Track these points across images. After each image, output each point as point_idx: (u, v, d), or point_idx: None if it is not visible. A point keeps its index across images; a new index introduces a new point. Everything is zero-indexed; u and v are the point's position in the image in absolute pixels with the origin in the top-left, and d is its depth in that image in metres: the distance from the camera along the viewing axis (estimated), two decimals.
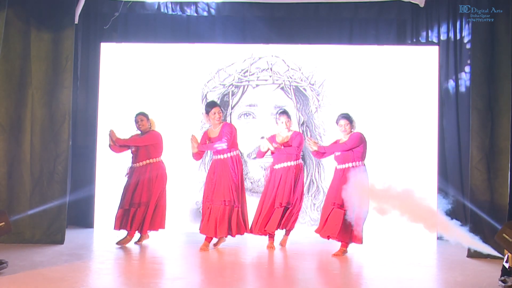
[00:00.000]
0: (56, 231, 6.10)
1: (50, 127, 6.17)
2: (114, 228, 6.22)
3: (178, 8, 7.71)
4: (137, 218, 6.14)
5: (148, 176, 6.18)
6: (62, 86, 6.20)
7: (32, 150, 6.12)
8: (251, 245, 6.36)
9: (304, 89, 7.44)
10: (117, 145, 6.26)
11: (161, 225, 6.27)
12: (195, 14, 7.72)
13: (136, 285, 4.57)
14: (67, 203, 6.39)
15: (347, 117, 5.91)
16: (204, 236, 6.04)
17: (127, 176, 6.30)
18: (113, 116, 7.37)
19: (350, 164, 5.83)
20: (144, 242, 6.33)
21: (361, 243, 5.81)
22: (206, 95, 7.45)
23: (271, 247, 6.10)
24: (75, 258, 5.42)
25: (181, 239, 6.59)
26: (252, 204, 6.26)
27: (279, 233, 6.31)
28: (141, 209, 6.15)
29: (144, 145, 6.21)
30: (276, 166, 6.15)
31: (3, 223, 4.88)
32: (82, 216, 7.50)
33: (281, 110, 6.27)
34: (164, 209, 6.29)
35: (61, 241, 6.08)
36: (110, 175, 7.32)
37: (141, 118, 6.29)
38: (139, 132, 6.33)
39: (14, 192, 6.08)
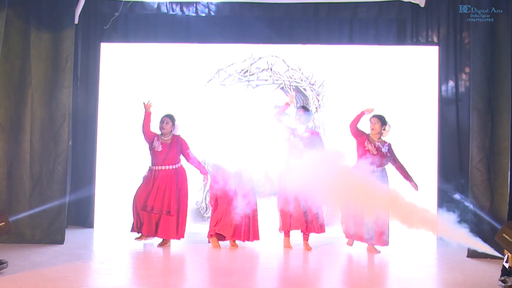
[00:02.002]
0: (56, 231, 6.10)
1: (50, 127, 6.18)
2: (135, 231, 6.21)
3: (178, 8, 7.70)
4: (165, 224, 6.14)
5: (176, 180, 6.21)
6: (62, 86, 6.20)
7: (31, 150, 6.12)
8: (251, 245, 6.36)
9: (304, 89, 7.44)
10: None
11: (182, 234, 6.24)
12: (195, 14, 7.72)
13: (136, 285, 4.57)
14: (67, 203, 6.40)
15: (380, 117, 6.10)
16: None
17: (146, 178, 6.23)
18: (113, 116, 7.38)
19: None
20: (147, 242, 6.33)
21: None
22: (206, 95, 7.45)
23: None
24: (75, 258, 5.42)
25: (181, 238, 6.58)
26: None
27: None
28: (173, 216, 6.13)
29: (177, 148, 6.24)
30: None
31: (3, 223, 4.89)
32: (82, 216, 7.50)
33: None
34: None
35: (61, 241, 6.08)
36: (110, 175, 7.33)
37: (167, 120, 6.26)
38: (159, 133, 6.27)
39: (14, 192, 6.08)
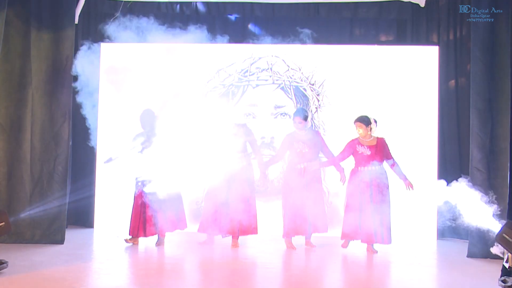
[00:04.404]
0: (56, 231, 6.11)
1: (50, 127, 6.18)
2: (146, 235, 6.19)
3: (178, 8, 7.70)
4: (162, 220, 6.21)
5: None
6: (62, 86, 6.20)
7: (32, 150, 6.13)
8: (250, 244, 6.36)
9: (304, 89, 7.44)
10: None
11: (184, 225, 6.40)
12: (195, 14, 7.71)
13: (136, 285, 4.57)
14: (67, 203, 6.40)
15: (361, 120, 6.08)
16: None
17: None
18: (113, 116, 7.38)
19: None
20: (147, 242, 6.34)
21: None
22: (206, 95, 7.45)
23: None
24: (75, 258, 5.43)
25: (181, 238, 6.59)
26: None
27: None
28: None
29: None
30: None
31: (3, 223, 4.89)
32: (82, 216, 7.50)
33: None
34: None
35: (61, 241, 6.08)
36: (110, 175, 7.32)
37: None
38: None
39: (14, 192, 6.08)
